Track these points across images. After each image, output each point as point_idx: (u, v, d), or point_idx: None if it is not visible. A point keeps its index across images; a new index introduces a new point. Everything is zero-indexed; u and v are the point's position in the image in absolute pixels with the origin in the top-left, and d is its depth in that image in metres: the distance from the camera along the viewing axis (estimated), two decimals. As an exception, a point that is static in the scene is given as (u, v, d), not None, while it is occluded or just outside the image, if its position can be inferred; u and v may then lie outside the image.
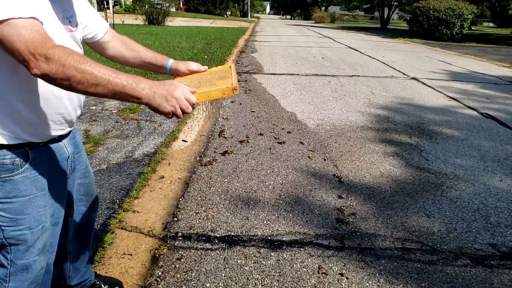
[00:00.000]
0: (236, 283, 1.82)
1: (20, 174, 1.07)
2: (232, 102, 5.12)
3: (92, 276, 1.66)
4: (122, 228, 2.17)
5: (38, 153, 1.11)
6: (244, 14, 47.55)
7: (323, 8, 62.92)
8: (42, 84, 1.03)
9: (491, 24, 51.76)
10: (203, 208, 2.45)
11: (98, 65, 0.92)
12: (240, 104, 5.04)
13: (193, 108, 1.04)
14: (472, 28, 31.86)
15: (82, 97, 1.22)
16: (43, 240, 1.17)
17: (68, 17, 1.11)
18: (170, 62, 1.38)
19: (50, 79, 0.89)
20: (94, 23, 1.30)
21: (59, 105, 1.10)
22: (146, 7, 17.93)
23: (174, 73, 1.39)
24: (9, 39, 0.85)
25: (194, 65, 1.37)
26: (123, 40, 1.40)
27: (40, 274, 1.20)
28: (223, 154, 3.35)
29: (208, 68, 1.40)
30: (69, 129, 1.22)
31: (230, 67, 1.35)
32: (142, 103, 0.97)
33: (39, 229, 1.14)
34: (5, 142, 1.03)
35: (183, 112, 1.01)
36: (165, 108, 0.98)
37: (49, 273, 1.31)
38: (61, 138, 1.21)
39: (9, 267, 1.12)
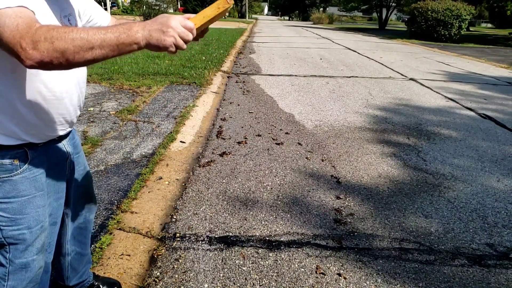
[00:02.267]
0: (234, 283, 1.82)
1: (19, 175, 1.07)
2: (230, 103, 5.13)
3: (91, 276, 1.67)
4: (120, 229, 2.17)
5: (37, 154, 1.12)
6: (242, 15, 47.61)
7: (321, 9, 63.12)
8: (42, 85, 1.03)
9: (490, 25, 51.97)
10: (201, 209, 2.45)
11: (85, 29, 0.89)
12: (238, 105, 5.05)
13: (193, 36, 1.00)
14: (470, 29, 31.96)
15: (82, 97, 1.23)
16: (42, 240, 1.17)
17: (66, 15, 1.11)
18: None
19: (46, 63, 0.85)
20: (98, 17, 1.32)
21: (60, 106, 1.10)
22: (144, 8, 17.93)
23: None
24: None
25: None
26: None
27: (39, 273, 1.21)
28: (221, 155, 3.35)
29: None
30: (69, 129, 1.23)
31: None
32: (142, 47, 0.94)
33: (38, 229, 1.15)
34: (5, 143, 1.04)
35: (185, 41, 0.97)
36: (165, 42, 0.94)
37: (48, 272, 1.31)
38: (60, 138, 1.22)
39: (8, 266, 1.13)
